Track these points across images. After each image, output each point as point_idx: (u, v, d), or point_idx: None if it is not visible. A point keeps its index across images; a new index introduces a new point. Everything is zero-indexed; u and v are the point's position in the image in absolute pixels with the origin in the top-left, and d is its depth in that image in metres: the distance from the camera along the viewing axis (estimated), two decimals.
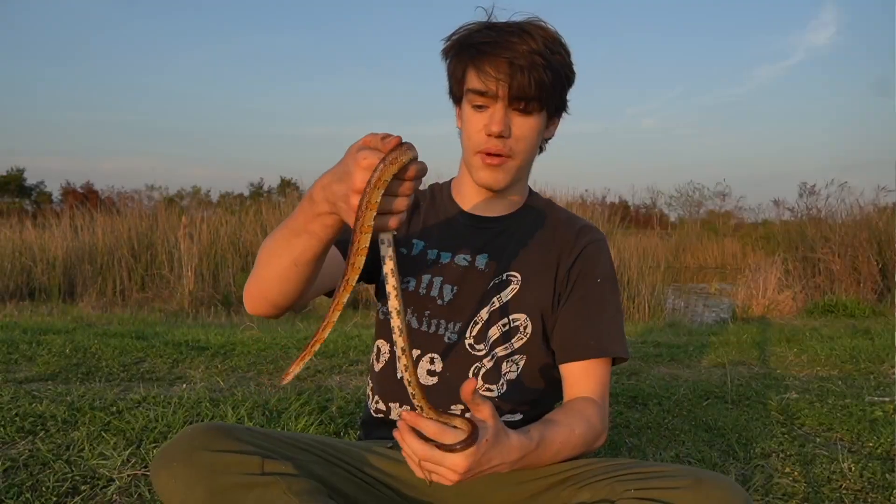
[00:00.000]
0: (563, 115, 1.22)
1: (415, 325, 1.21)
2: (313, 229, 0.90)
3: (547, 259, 1.21)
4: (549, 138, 1.23)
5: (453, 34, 1.17)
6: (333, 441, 1.14)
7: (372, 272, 1.23)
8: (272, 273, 0.99)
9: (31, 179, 33.97)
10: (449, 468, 0.84)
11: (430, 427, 0.84)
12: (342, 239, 1.16)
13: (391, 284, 0.87)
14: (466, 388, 0.83)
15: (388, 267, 0.86)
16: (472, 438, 0.84)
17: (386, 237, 0.85)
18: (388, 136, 0.80)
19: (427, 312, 1.20)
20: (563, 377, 1.17)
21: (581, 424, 1.06)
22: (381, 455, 1.13)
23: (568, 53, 1.14)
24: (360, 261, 0.82)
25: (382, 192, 0.78)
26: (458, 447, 0.83)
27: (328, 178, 0.84)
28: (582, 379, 1.14)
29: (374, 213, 0.79)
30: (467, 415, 0.91)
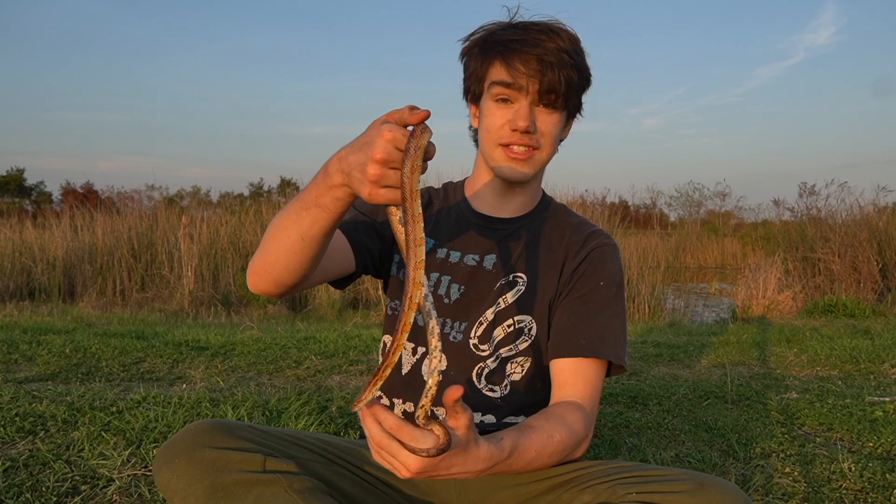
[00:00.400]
0: (577, 117, 1.23)
1: (421, 322, 1.20)
2: (324, 202, 0.89)
3: (553, 260, 1.21)
4: (563, 139, 1.23)
5: (474, 33, 1.17)
6: (334, 439, 1.14)
7: (380, 268, 1.25)
8: (279, 247, 0.98)
9: (31, 179, 34.05)
10: (402, 463, 0.81)
11: (389, 420, 0.80)
12: (348, 227, 1.17)
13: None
14: (450, 395, 0.80)
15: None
16: (436, 450, 0.80)
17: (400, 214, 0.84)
18: (416, 108, 0.80)
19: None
20: (552, 376, 1.14)
21: (562, 431, 1.01)
22: None
23: (586, 56, 1.15)
24: (420, 275, 0.80)
25: (420, 174, 0.78)
26: (419, 451, 0.80)
27: (346, 150, 0.84)
28: (570, 379, 1.11)
29: (420, 203, 0.78)
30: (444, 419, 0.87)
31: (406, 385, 1.20)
